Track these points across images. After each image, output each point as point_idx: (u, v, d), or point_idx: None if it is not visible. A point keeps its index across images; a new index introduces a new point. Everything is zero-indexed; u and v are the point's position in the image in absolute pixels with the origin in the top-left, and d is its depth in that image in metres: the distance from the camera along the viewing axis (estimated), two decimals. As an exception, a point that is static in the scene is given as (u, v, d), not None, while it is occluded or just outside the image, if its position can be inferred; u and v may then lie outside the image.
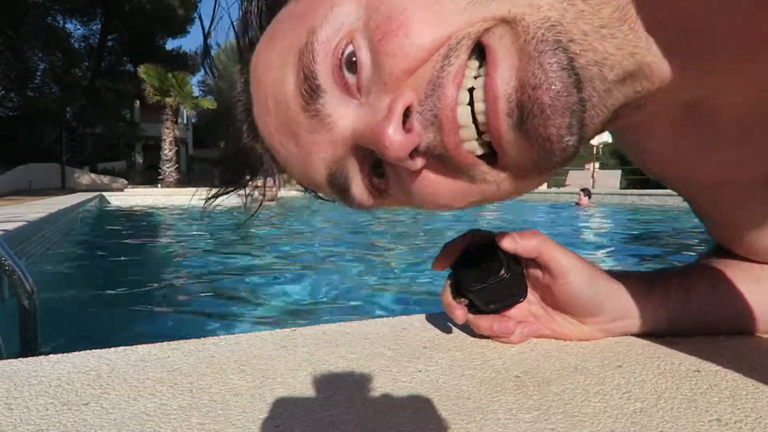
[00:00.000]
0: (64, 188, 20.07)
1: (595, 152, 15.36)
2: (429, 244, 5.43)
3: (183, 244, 5.85)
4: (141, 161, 33.10)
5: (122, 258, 4.80)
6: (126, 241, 6.17)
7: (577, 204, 9.11)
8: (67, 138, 23.41)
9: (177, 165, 15.29)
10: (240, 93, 0.54)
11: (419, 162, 0.42)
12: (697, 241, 5.80)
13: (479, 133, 0.40)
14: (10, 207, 5.93)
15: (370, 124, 0.41)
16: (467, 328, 0.66)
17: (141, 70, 14.67)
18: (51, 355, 0.61)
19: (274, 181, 0.63)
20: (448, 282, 0.65)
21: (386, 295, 3.12)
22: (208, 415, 0.44)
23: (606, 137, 14.67)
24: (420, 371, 0.54)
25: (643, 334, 0.62)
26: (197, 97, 18.79)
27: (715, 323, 0.62)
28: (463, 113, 0.39)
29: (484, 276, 0.58)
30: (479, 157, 0.41)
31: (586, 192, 9.11)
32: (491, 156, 0.41)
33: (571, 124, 0.37)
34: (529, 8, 0.36)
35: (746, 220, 0.58)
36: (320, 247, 5.37)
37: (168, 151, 14.91)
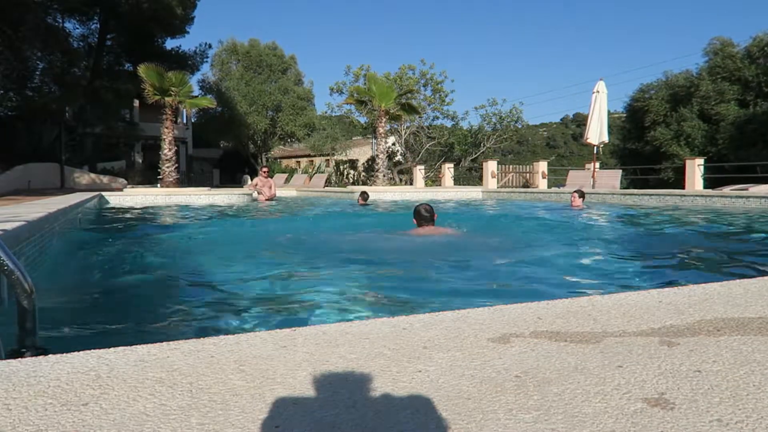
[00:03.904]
0: (64, 188, 20.04)
1: (595, 152, 15.33)
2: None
3: (182, 243, 5.84)
4: (140, 161, 33.06)
5: (121, 257, 4.79)
6: (125, 240, 6.16)
7: (571, 205, 9.24)
8: (66, 138, 23.37)
9: (176, 164, 15.25)
10: None
11: None
12: (697, 240, 5.80)
13: None
14: (9, 207, 5.92)
15: None
16: (467, 328, 0.65)
17: (140, 69, 14.63)
18: (50, 356, 0.61)
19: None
20: None
21: (385, 294, 3.11)
22: (207, 415, 0.44)
23: (606, 137, 14.67)
24: (420, 371, 0.54)
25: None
26: (197, 96, 18.78)
27: None
28: None
29: None
30: None
31: (580, 193, 9.25)
32: None
33: None
34: None
35: None
36: (319, 246, 5.36)
37: (167, 150, 14.86)
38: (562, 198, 12.21)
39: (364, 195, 11.24)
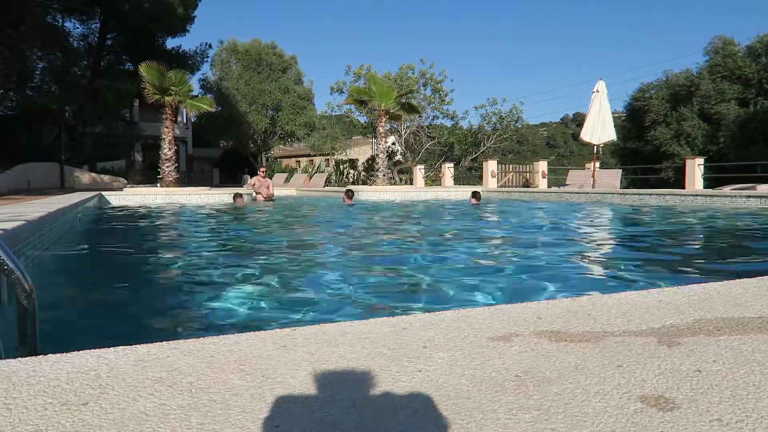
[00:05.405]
0: (64, 187, 20.05)
1: (595, 152, 15.33)
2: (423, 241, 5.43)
3: (182, 242, 5.85)
4: (140, 160, 33.07)
5: (121, 257, 4.79)
6: (125, 239, 6.16)
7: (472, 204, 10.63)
8: (66, 137, 23.38)
9: (176, 164, 15.26)
10: None
11: None
12: (696, 239, 5.80)
13: None
14: (9, 206, 5.92)
15: None
16: (467, 328, 0.65)
17: (141, 67, 14.64)
18: (50, 355, 0.61)
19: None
20: None
21: (385, 294, 3.12)
22: (207, 415, 0.44)
23: (612, 135, 14.67)
24: (420, 371, 0.54)
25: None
26: (197, 96, 18.78)
27: None
28: None
29: None
30: None
31: (474, 194, 10.83)
32: None
33: None
34: None
35: None
36: (317, 245, 5.37)
37: (167, 150, 14.86)
38: (562, 197, 12.24)
39: (349, 193, 11.27)
